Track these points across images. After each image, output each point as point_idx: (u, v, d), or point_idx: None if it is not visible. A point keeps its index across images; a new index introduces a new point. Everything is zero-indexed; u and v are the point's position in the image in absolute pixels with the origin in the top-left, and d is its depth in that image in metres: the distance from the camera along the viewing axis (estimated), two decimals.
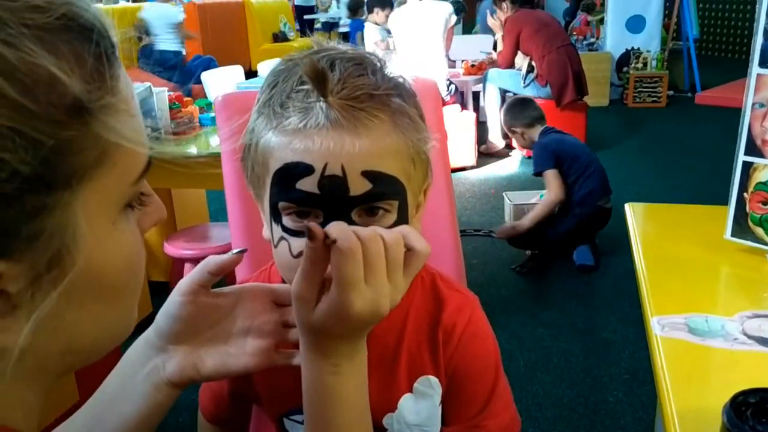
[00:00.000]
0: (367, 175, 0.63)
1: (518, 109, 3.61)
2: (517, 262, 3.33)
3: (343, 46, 0.68)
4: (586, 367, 2.46)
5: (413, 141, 0.68)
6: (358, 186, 0.63)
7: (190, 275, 0.65)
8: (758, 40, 1.00)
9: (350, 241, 0.55)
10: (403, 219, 0.68)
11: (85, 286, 0.42)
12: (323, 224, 0.64)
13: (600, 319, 2.80)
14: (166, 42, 6.56)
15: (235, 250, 0.63)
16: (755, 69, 1.01)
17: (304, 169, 0.63)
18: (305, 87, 0.64)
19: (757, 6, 0.98)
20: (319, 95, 0.63)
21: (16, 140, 0.35)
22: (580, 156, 3.29)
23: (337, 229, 0.56)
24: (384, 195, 0.65)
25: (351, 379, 0.62)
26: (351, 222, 0.64)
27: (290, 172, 0.64)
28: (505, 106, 3.72)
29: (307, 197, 0.64)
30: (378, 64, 0.68)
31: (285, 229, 0.67)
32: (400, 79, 0.70)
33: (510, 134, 3.67)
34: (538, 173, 3.31)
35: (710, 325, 0.88)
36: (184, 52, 6.78)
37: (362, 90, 0.64)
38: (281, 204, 0.66)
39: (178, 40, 6.67)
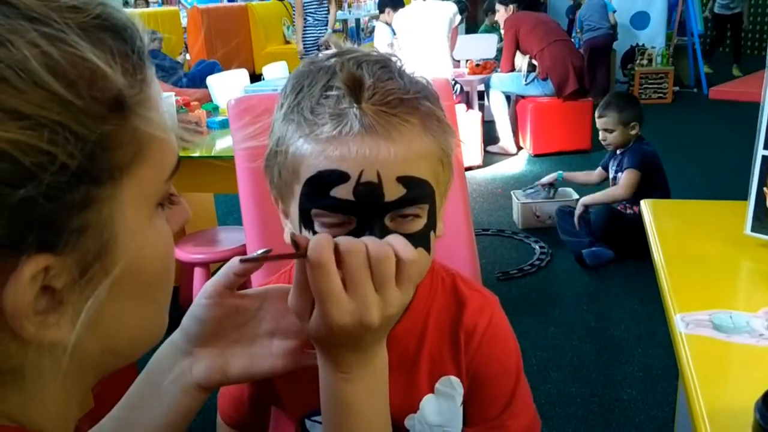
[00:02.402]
0: (402, 180, 0.63)
1: (626, 104, 3.41)
2: (526, 262, 3.33)
3: (364, 48, 0.68)
4: (599, 365, 2.45)
5: (442, 143, 0.68)
6: (393, 192, 0.63)
7: (215, 277, 0.65)
8: None
9: (320, 253, 0.55)
10: (431, 221, 0.68)
11: (126, 282, 0.42)
12: (356, 230, 0.64)
13: (611, 317, 2.79)
14: None
15: (260, 251, 0.63)
16: None
17: (339, 177, 0.62)
18: (334, 93, 0.64)
19: None
20: (352, 101, 0.62)
21: (64, 134, 0.36)
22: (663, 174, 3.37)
23: (311, 241, 0.56)
24: (417, 199, 0.65)
25: (363, 386, 0.61)
26: (383, 227, 0.64)
27: (324, 180, 0.63)
28: (610, 97, 3.52)
29: (341, 204, 0.63)
30: (401, 66, 0.68)
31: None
32: (423, 81, 0.69)
33: (603, 128, 3.42)
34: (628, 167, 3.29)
35: (735, 322, 0.87)
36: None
37: (393, 95, 0.63)
38: (314, 211, 0.65)
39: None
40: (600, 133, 3.47)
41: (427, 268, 0.72)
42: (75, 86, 0.36)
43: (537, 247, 3.46)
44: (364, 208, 0.63)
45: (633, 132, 3.36)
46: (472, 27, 8.70)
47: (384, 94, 0.63)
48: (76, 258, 0.38)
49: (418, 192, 0.65)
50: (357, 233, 0.64)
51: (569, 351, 2.55)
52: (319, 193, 0.64)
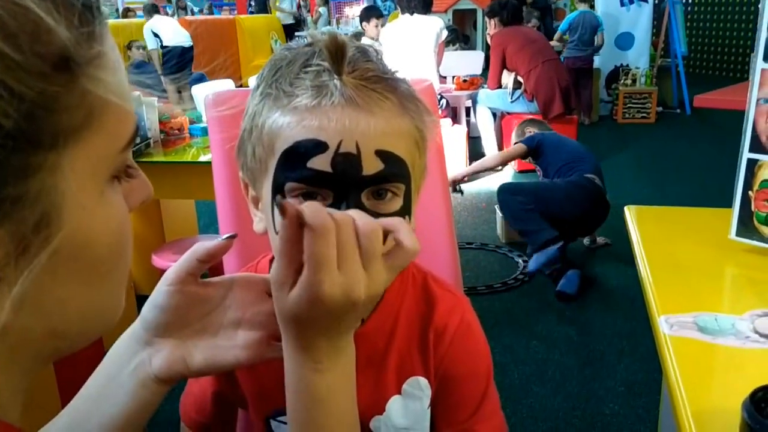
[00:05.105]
0: (380, 154, 0.62)
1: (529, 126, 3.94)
2: (509, 276, 3.31)
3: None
4: (582, 379, 2.43)
5: (419, 125, 0.67)
6: (371, 165, 0.62)
7: (178, 263, 0.61)
8: (762, 35, 0.98)
9: (323, 219, 0.52)
10: (407, 205, 0.66)
11: (71, 259, 0.39)
12: (332, 206, 0.62)
13: (594, 332, 2.77)
14: None
15: (225, 235, 0.60)
16: (759, 64, 0.99)
17: (317, 146, 0.61)
18: (314, 68, 0.63)
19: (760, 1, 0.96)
20: (333, 73, 0.62)
21: None
22: (569, 150, 3.52)
23: (310, 208, 0.53)
24: (394, 176, 0.64)
25: (333, 377, 0.58)
26: (360, 204, 0.62)
27: (301, 150, 0.61)
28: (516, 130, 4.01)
29: (318, 176, 0.61)
30: (378, 54, 0.68)
31: None
32: (399, 74, 0.69)
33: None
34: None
35: (720, 324, 0.85)
36: None
37: (372, 72, 0.64)
38: (288, 185, 0.63)
39: None
40: None
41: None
42: (14, 39, 0.33)
43: (520, 261, 3.45)
44: (342, 180, 0.61)
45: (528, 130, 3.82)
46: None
47: (364, 71, 0.63)
48: (13, 229, 0.35)
49: (396, 169, 0.64)
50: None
51: (552, 365, 2.52)
52: (295, 165, 0.62)
